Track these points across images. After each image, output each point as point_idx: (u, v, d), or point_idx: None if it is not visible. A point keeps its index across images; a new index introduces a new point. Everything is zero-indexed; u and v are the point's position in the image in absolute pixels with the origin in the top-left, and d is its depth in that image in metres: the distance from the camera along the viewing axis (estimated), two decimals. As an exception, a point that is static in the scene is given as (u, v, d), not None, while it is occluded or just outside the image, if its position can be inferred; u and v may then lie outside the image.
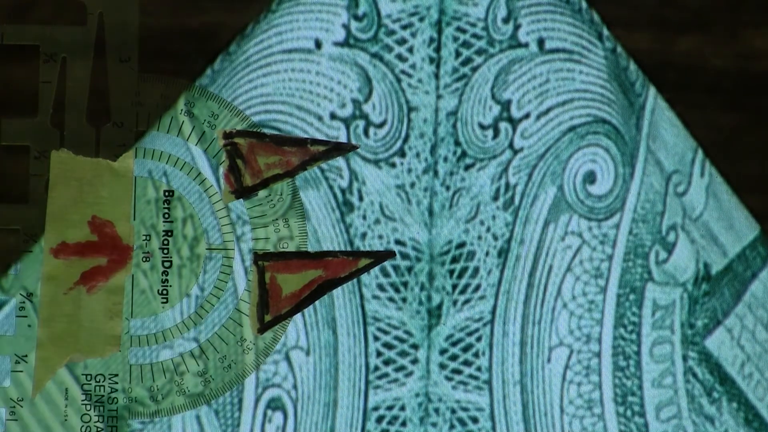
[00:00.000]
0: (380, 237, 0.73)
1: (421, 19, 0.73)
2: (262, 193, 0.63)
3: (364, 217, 0.73)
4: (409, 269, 0.73)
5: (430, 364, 0.73)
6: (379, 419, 0.73)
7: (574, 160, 0.74)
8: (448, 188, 0.73)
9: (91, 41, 0.60)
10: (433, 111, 0.73)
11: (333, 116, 0.73)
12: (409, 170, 0.73)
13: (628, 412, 0.74)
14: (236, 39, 0.73)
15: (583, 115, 0.74)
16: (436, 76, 0.73)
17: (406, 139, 0.73)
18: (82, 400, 0.64)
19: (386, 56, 0.73)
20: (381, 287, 0.73)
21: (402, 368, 0.73)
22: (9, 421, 0.64)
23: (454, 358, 0.73)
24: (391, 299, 0.73)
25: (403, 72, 0.73)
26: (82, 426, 0.64)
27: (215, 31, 0.74)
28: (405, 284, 0.73)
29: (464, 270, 0.73)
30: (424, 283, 0.73)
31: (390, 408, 0.73)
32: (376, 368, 0.73)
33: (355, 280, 0.72)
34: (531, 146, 0.74)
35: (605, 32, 0.75)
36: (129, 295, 0.62)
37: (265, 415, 0.72)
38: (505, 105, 0.73)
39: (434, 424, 0.73)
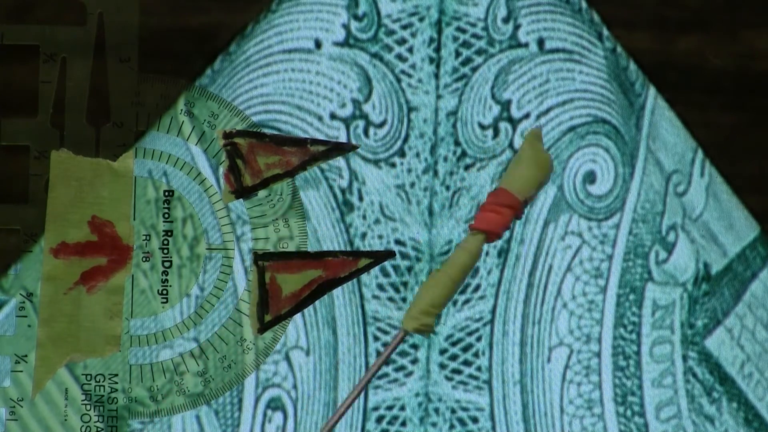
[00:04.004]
0: (380, 237, 0.73)
1: (421, 19, 0.73)
2: (262, 193, 0.63)
3: (364, 217, 0.73)
4: (409, 269, 0.73)
5: (430, 363, 0.73)
6: (379, 419, 0.73)
7: (574, 160, 0.74)
8: (448, 188, 0.73)
9: (91, 41, 0.60)
10: (433, 111, 0.73)
11: (333, 116, 0.73)
12: (409, 170, 0.73)
13: (628, 412, 0.74)
14: (236, 39, 0.73)
15: (583, 115, 0.74)
16: (436, 76, 0.73)
17: (406, 139, 0.73)
18: (82, 400, 0.64)
19: (386, 56, 0.73)
20: (381, 287, 0.73)
21: (402, 368, 0.73)
22: (9, 421, 0.64)
23: (454, 357, 0.73)
24: (391, 299, 0.73)
25: (403, 72, 0.73)
26: (82, 426, 0.64)
27: (215, 31, 0.74)
28: (405, 284, 0.73)
29: (464, 270, 0.73)
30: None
31: (390, 408, 0.73)
32: (376, 368, 0.73)
33: (355, 280, 0.72)
34: (531, 146, 0.74)
35: (605, 32, 0.75)
36: (129, 295, 0.62)
37: (265, 415, 0.72)
38: (505, 105, 0.73)
39: (434, 424, 0.73)
